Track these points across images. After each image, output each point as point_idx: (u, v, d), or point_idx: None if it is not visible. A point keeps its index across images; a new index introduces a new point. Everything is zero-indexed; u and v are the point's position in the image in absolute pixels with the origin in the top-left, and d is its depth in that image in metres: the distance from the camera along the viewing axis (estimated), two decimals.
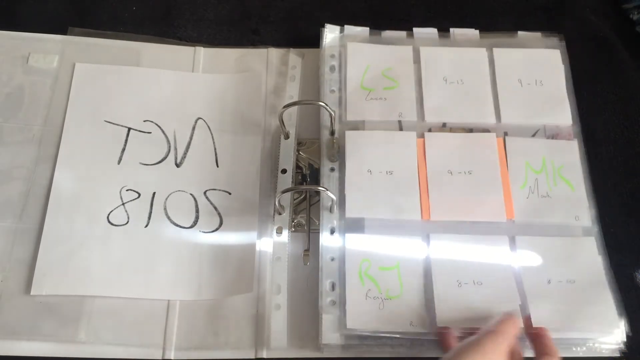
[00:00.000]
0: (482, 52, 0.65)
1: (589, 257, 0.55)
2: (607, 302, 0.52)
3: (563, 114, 0.62)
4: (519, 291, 0.53)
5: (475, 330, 0.49)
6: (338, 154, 0.59)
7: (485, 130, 0.61)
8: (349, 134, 0.59)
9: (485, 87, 0.63)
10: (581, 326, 0.52)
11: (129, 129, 0.62)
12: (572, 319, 0.52)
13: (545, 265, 0.54)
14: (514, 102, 0.62)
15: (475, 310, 0.52)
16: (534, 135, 0.61)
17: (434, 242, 0.55)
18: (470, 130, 0.61)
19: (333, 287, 0.53)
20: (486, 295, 0.52)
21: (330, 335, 0.52)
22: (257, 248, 0.56)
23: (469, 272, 0.54)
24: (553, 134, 0.61)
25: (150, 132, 0.62)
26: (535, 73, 0.64)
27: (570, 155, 0.60)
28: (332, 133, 0.60)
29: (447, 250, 0.55)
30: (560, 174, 0.59)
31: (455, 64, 0.64)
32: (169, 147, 0.61)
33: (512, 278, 0.53)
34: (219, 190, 0.60)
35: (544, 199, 0.58)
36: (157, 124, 0.62)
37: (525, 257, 0.55)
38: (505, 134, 0.61)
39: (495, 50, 0.65)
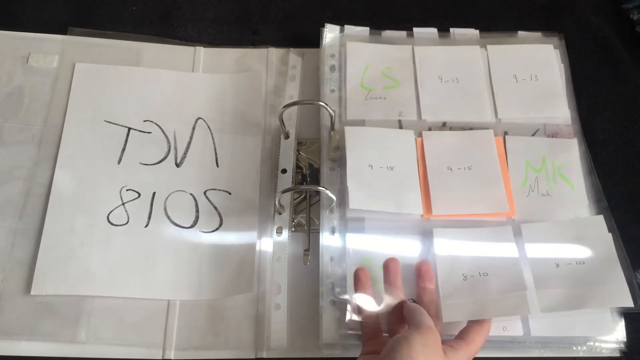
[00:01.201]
0: (477, 50, 0.65)
1: (599, 236, 0.54)
2: (617, 279, 0.51)
3: (559, 108, 0.62)
4: (526, 277, 0.52)
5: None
6: (337, 151, 0.59)
7: (484, 128, 0.61)
8: (348, 130, 0.59)
9: (481, 85, 0.63)
10: (592, 305, 0.51)
11: (129, 129, 0.62)
12: (581, 300, 0.51)
13: (553, 249, 0.54)
14: (509, 98, 0.62)
15: (482, 302, 0.51)
16: (534, 135, 0.61)
17: (438, 236, 0.55)
18: (470, 130, 0.61)
19: (333, 287, 0.53)
20: (493, 285, 0.52)
21: (330, 336, 0.52)
22: (257, 248, 0.56)
23: (474, 264, 0.53)
24: (553, 133, 0.61)
25: (150, 132, 0.62)
26: (530, 68, 0.64)
27: (570, 154, 0.60)
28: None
29: (450, 243, 0.54)
30: (560, 173, 0.59)
31: (450, 63, 0.64)
32: (169, 147, 0.61)
33: (519, 265, 0.53)
34: (219, 190, 0.60)
35: (544, 197, 0.58)
36: (157, 124, 0.62)
37: (531, 243, 0.54)
38: (506, 133, 0.61)
39: (490, 47, 0.65)
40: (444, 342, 0.46)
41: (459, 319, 0.50)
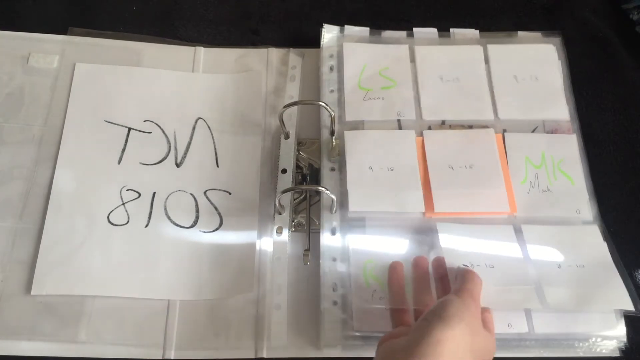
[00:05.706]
0: (478, 50, 0.65)
1: (594, 244, 0.55)
2: (616, 284, 0.53)
3: (559, 109, 0.62)
4: (531, 275, 0.53)
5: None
6: (338, 155, 0.59)
7: (484, 127, 0.61)
8: (348, 134, 0.59)
9: (481, 84, 0.63)
10: (596, 306, 0.52)
11: (129, 129, 0.62)
12: (586, 300, 0.52)
13: (554, 251, 0.54)
14: (510, 98, 0.62)
15: (491, 292, 0.51)
16: (533, 132, 0.61)
17: (441, 230, 0.55)
18: (470, 128, 0.61)
19: (334, 288, 0.53)
20: (499, 277, 0.52)
21: (332, 337, 0.52)
22: (257, 248, 0.56)
23: (479, 256, 0.53)
24: (552, 130, 0.61)
25: (150, 132, 0.62)
26: (530, 69, 0.64)
27: (569, 149, 0.60)
28: (332, 133, 0.60)
29: (454, 237, 0.54)
30: (560, 168, 0.59)
31: (450, 63, 0.64)
32: (169, 147, 0.61)
33: (523, 262, 0.53)
34: (219, 190, 0.60)
35: (544, 193, 0.58)
36: (157, 124, 0.62)
37: (533, 245, 0.55)
38: (505, 130, 0.61)
39: (490, 47, 0.65)
40: None
41: None
